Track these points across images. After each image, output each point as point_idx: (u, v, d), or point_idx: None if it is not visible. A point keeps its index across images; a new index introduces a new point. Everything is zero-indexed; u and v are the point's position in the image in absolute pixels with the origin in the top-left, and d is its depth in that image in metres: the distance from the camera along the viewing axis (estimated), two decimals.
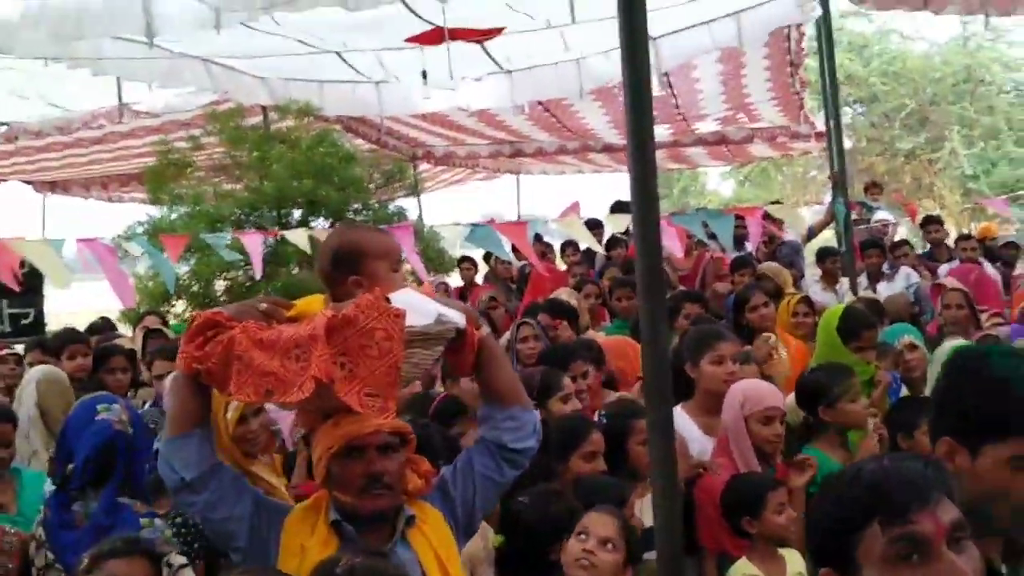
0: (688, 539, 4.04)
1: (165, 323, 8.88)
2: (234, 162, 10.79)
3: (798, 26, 10.51)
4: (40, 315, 10.19)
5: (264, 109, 11.14)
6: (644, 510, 4.19)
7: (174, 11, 6.74)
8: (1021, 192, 24.78)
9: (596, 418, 4.83)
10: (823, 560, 1.99)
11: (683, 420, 4.94)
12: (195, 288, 10.07)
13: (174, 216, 10.11)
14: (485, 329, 3.23)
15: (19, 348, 7.75)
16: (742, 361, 5.35)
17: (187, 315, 10.07)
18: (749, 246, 10.16)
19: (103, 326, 8.66)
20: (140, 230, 9.73)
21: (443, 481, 3.21)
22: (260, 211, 10.33)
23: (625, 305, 8.26)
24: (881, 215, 12.18)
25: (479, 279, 12.89)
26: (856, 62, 28.73)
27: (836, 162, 9.33)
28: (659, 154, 16.89)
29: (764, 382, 5.14)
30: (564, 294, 8.36)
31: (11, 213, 18.24)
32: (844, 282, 9.41)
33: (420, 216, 14.70)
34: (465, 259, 12.96)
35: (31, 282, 9.28)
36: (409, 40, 9.41)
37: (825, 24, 9.31)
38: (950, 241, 12.12)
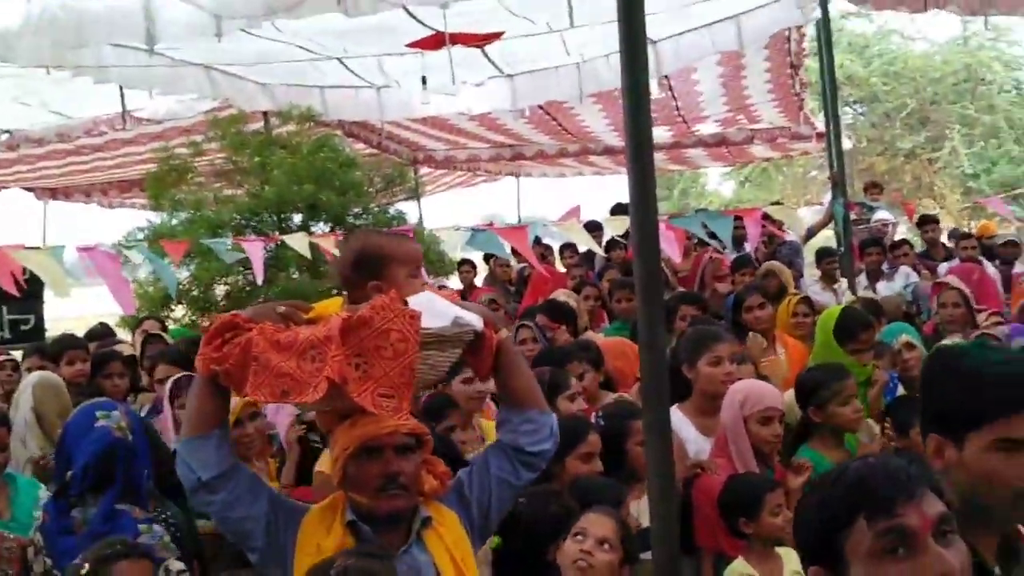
0: (685, 539, 4.06)
1: (164, 328, 8.90)
2: (235, 167, 10.81)
3: (798, 27, 10.53)
4: (40, 321, 10.20)
5: (265, 115, 11.17)
6: (641, 511, 4.21)
7: (175, 18, 6.77)
8: (1021, 190, 24.78)
9: (593, 419, 4.84)
10: (812, 558, 2.01)
11: (680, 421, 4.98)
12: (195, 293, 10.08)
13: (174, 222, 10.12)
14: (504, 332, 3.24)
15: (17, 355, 7.76)
16: (739, 361, 5.37)
17: (187, 320, 10.09)
18: (748, 247, 10.18)
19: (102, 332, 8.67)
20: (141, 236, 9.73)
21: (459, 483, 3.22)
22: (260, 216, 10.34)
23: (625, 307, 8.28)
24: (881, 215, 12.19)
25: (479, 281, 12.91)
26: (856, 62, 28.70)
27: (835, 163, 9.35)
28: (659, 156, 17.00)
29: (763, 382, 5.16)
30: (562, 295, 8.38)
31: (12, 220, 18.27)
32: (843, 282, 9.43)
33: (420, 220, 14.72)
34: (464, 262, 12.98)
35: (31, 288, 9.29)
36: (410, 45, 9.45)
37: (824, 25, 9.34)
38: (945, 239, 12.13)
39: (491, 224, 9.72)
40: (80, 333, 8.50)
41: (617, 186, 19.78)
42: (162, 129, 11.56)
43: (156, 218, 10.39)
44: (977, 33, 28.56)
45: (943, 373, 2.41)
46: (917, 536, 1.87)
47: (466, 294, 11.78)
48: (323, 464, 4.72)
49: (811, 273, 10.81)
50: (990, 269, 10.29)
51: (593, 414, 4.97)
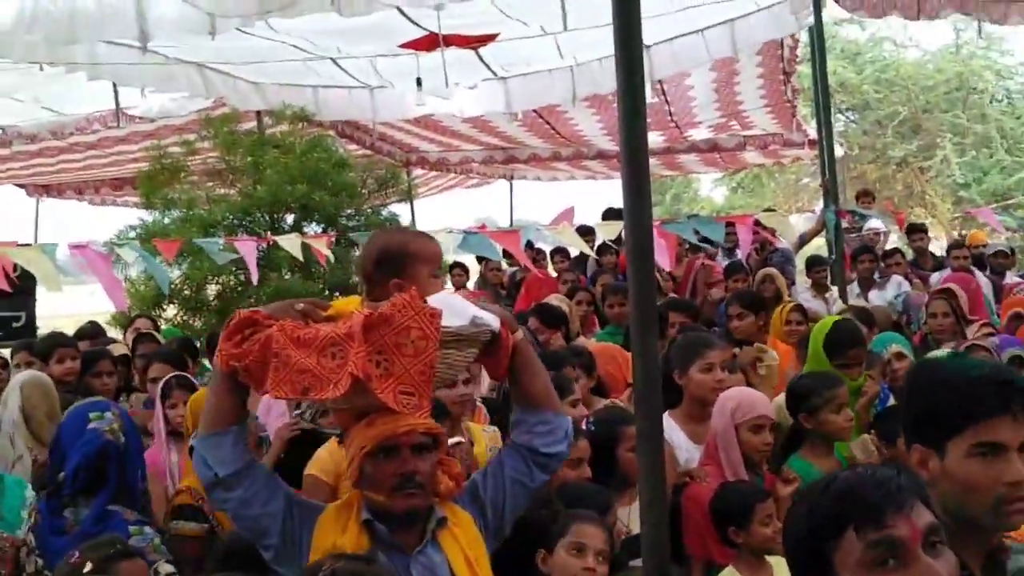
0: (674, 547, 4.06)
1: (156, 327, 8.88)
2: (228, 167, 10.80)
3: (791, 34, 10.55)
4: (31, 319, 10.15)
5: (258, 114, 11.16)
6: (632, 517, 4.21)
7: (168, 16, 6.76)
8: (1012, 200, 24.85)
9: (584, 425, 4.83)
10: (802, 568, 2.03)
11: (670, 428, 4.96)
12: (187, 292, 10.07)
13: (167, 221, 10.11)
14: (519, 333, 3.23)
15: (6, 353, 7.72)
16: (729, 369, 5.37)
17: (178, 320, 10.07)
18: (740, 253, 10.19)
19: (92, 331, 8.64)
20: (132, 234, 9.71)
21: (473, 484, 3.22)
22: (253, 216, 10.34)
23: (617, 312, 8.26)
24: (872, 224, 12.20)
25: (470, 285, 12.91)
26: (849, 69, 28.76)
27: (827, 170, 9.37)
28: (652, 160, 16.90)
29: (754, 391, 5.17)
30: (555, 300, 8.37)
31: (4, 217, 18.25)
32: (834, 290, 9.44)
33: (413, 222, 14.72)
34: (456, 265, 12.99)
35: (23, 285, 9.26)
36: (404, 46, 9.45)
37: (817, 32, 9.36)
38: (935, 248, 12.15)
39: (483, 227, 9.72)
40: (72, 331, 8.44)
41: (610, 190, 19.82)
42: (155, 127, 11.55)
43: (148, 217, 10.37)
44: (969, 42, 28.64)
45: (921, 384, 2.47)
46: (907, 547, 1.88)
47: None
48: (313, 467, 4.70)
49: (803, 281, 10.82)
50: (981, 279, 10.31)
51: (584, 420, 4.96)
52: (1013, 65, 29.83)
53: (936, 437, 2.33)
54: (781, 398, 5.23)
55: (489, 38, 9.56)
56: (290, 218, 10.61)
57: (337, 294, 9.76)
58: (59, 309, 13.93)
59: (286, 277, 9.92)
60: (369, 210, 11.33)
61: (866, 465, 2.05)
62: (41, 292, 9.90)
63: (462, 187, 20.32)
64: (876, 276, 10.49)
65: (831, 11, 9.54)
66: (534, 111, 13.31)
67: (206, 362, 7.54)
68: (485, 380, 6.22)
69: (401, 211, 12.82)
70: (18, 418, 5.81)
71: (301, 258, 8.82)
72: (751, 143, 15.82)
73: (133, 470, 4.21)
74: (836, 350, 5.44)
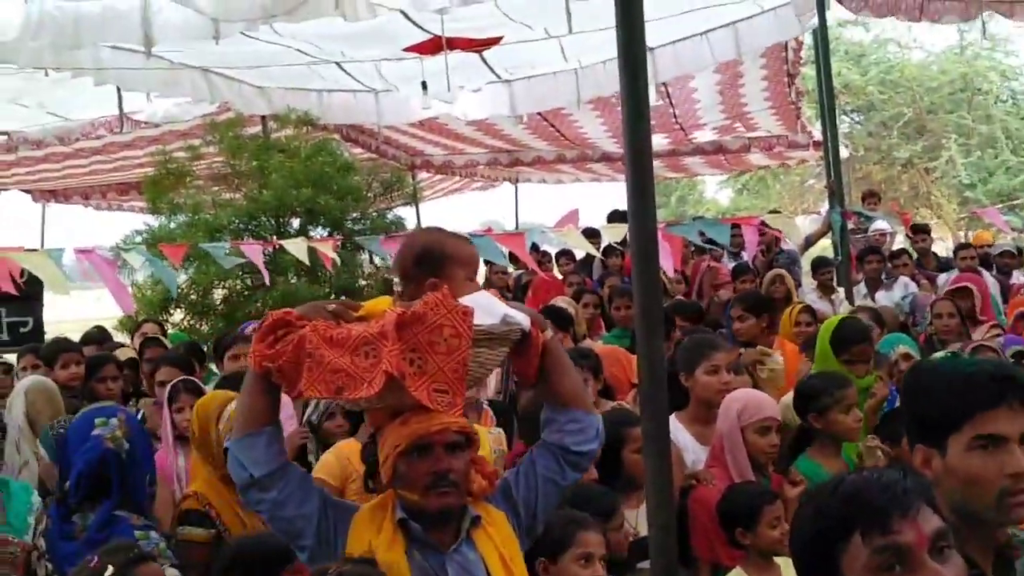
0: (681, 550, 4.05)
1: (163, 331, 8.89)
2: (233, 171, 10.82)
3: (795, 36, 10.55)
4: (39, 324, 10.17)
5: (263, 119, 11.18)
6: (640, 520, 4.20)
7: (172, 21, 6.78)
8: (1018, 200, 24.82)
9: None
10: (808, 571, 2.01)
11: (677, 429, 4.97)
12: (193, 297, 10.09)
13: (172, 225, 10.13)
14: (549, 332, 3.23)
15: (11, 358, 7.75)
16: (735, 371, 5.37)
17: (185, 324, 10.09)
18: (745, 255, 10.19)
19: (98, 336, 8.65)
20: (139, 239, 9.73)
21: (505, 484, 3.22)
22: (259, 220, 10.35)
23: (624, 314, 8.26)
24: (878, 225, 12.20)
25: None
26: (853, 71, 28.77)
27: (832, 171, 9.36)
28: (657, 163, 16.96)
29: (761, 392, 5.16)
30: (561, 302, 8.36)
31: (10, 222, 18.28)
32: (840, 291, 9.43)
33: (418, 225, 14.72)
34: None
35: (30, 290, 9.28)
36: (408, 49, 9.46)
37: (821, 33, 9.35)
38: (941, 249, 12.13)
39: (489, 230, 9.72)
40: (79, 336, 8.46)
41: (615, 193, 19.82)
42: (160, 133, 11.57)
43: (154, 221, 10.40)
44: (973, 43, 28.63)
45: (919, 385, 2.49)
46: (913, 553, 1.87)
47: None
48: (320, 471, 4.71)
49: (809, 282, 10.81)
50: (988, 279, 10.30)
51: None
52: (1018, 66, 29.89)
53: (937, 435, 2.35)
54: (787, 398, 5.23)
55: (493, 41, 9.57)
56: (296, 222, 10.64)
57: (343, 297, 9.78)
58: (66, 314, 13.97)
59: (292, 281, 9.93)
60: (374, 214, 11.35)
61: (873, 468, 2.04)
62: (48, 297, 9.93)
63: (467, 190, 20.35)
64: (883, 277, 10.48)
65: (835, 13, 9.54)
66: (539, 114, 13.32)
67: (213, 366, 7.55)
68: (491, 383, 6.22)
69: (406, 215, 12.86)
70: (23, 423, 5.82)
71: (307, 262, 8.82)
72: (756, 145, 15.83)
73: (140, 476, 4.21)
74: (843, 347, 5.44)
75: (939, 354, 6.32)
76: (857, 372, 5.33)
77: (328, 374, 2.89)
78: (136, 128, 11.17)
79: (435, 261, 3.18)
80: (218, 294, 10.27)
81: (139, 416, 6.40)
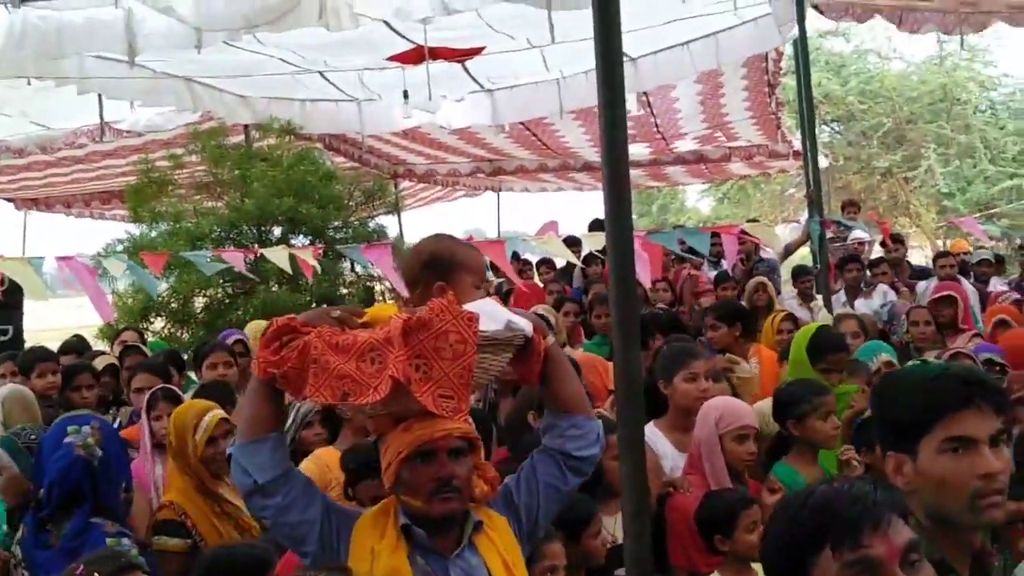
0: (659, 557, 4.07)
1: (143, 339, 8.87)
2: (215, 180, 10.82)
3: (776, 47, 10.61)
4: (19, 332, 10.16)
5: (246, 128, 11.18)
6: (617, 527, 4.22)
7: (156, 30, 6.78)
8: (995, 210, 24.94)
9: None
10: None
11: (656, 437, 5.01)
12: (174, 305, 10.08)
13: (154, 234, 10.12)
14: (551, 338, 3.26)
15: None
16: (714, 378, 5.41)
17: (166, 332, 10.08)
18: (725, 264, 10.23)
19: (76, 345, 8.62)
20: (120, 248, 9.72)
21: (507, 490, 3.23)
22: (240, 229, 10.35)
23: (605, 322, 8.25)
24: (857, 234, 12.26)
25: None
26: (833, 81, 28.88)
27: (812, 181, 9.41)
28: (638, 172, 17.02)
29: (739, 400, 5.19)
30: (541, 310, 8.37)
31: None
32: (819, 299, 9.48)
33: (400, 234, 14.75)
34: None
35: (10, 299, 9.27)
36: (391, 59, 9.48)
37: (802, 44, 9.40)
38: (920, 258, 12.19)
39: (470, 238, 9.74)
40: (60, 344, 8.44)
41: (596, 202, 19.83)
42: (143, 142, 11.56)
43: (136, 230, 10.38)
44: (953, 53, 28.80)
45: (890, 391, 2.51)
46: (884, 567, 1.88)
47: None
48: None
49: (788, 290, 10.86)
50: (967, 287, 10.36)
51: None
52: (996, 76, 29.99)
53: (907, 441, 2.36)
54: (762, 405, 5.26)
55: (476, 51, 9.61)
56: (277, 231, 10.64)
57: (324, 306, 9.78)
58: (47, 323, 13.92)
59: (273, 290, 9.93)
60: (356, 222, 11.36)
61: (844, 478, 2.05)
62: (29, 306, 9.91)
63: (449, 199, 20.35)
64: (863, 285, 10.53)
65: (815, 24, 9.59)
66: (521, 123, 13.35)
67: (192, 375, 7.54)
68: None
69: (388, 223, 12.87)
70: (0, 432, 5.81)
71: (289, 270, 8.83)
72: (736, 154, 15.90)
73: (114, 483, 4.21)
74: (819, 355, 5.49)
75: (912, 362, 6.37)
76: (832, 380, 5.38)
77: (334, 380, 2.92)
78: (118, 137, 11.15)
79: (444, 266, 3.23)
80: (199, 302, 10.27)
81: (116, 424, 6.41)
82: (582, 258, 10.94)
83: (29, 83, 8.38)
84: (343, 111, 11.55)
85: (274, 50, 8.96)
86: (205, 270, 8.57)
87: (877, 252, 12.54)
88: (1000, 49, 31.63)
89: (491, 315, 3.01)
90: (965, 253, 12.58)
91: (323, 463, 4.80)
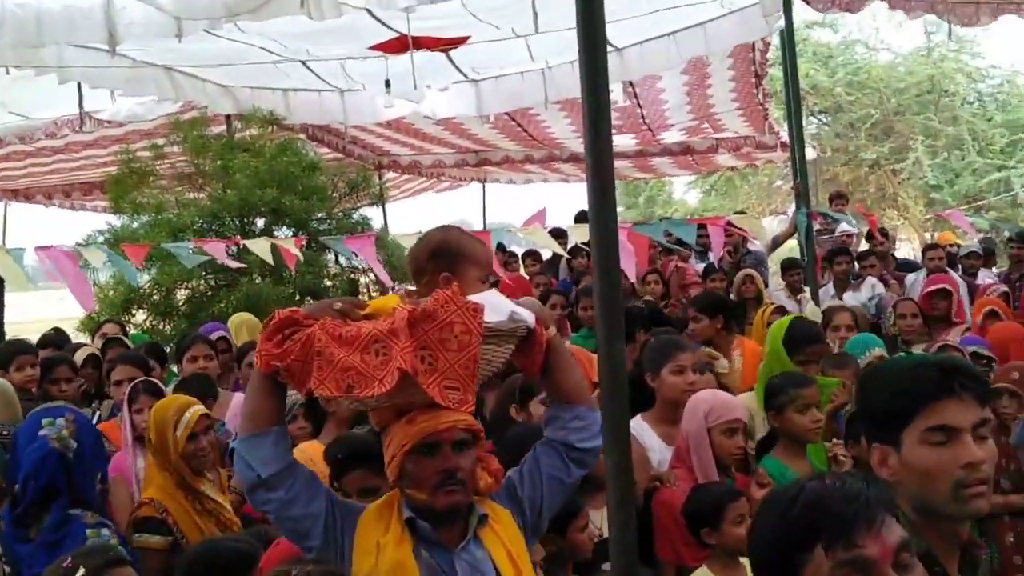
0: (645, 550, 4.04)
1: (124, 331, 8.80)
2: (197, 171, 10.74)
3: (762, 37, 10.56)
4: None
5: (228, 118, 11.10)
6: (604, 520, 4.18)
7: (135, 19, 6.71)
8: (983, 202, 25.02)
9: None
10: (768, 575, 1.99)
11: (643, 430, 4.97)
12: (156, 297, 9.99)
13: (135, 225, 10.03)
14: (553, 329, 3.24)
15: None
16: (700, 371, 5.37)
17: (147, 324, 9.99)
18: (712, 256, 10.19)
19: (55, 338, 8.54)
20: (101, 239, 9.63)
21: (510, 482, 3.22)
22: (223, 220, 10.27)
23: (591, 314, 8.21)
24: (844, 226, 12.25)
25: None
26: (821, 72, 28.93)
27: (799, 172, 9.38)
28: (625, 163, 16.97)
29: (728, 394, 5.16)
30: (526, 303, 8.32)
31: None
32: (806, 291, 9.46)
33: (385, 225, 14.67)
34: None
35: None
36: (374, 48, 9.40)
37: (788, 35, 9.37)
38: (908, 250, 12.18)
39: None
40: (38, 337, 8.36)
41: (583, 193, 19.79)
42: (123, 132, 11.47)
43: (117, 221, 10.29)
44: (940, 45, 28.89)
45: (870, 385, 2.51)
46: (878, 567, 1.85)
47: None
48: None
49: (775, 283, 10.83)
50: (956, 279, 10.34)
51: None
52: (984, 68, 30.11)
53: (891, 432, 2.35)
54: (745, 398, 5.23)
55: (460, 40, 9.53)
56: (260, 222, 10.57)
57: (308, 299, 9.71)
58: (28, 315, 13.84)
59: (256, 282, 9.85)
60: (340, 214, 11.29)
61: (835, 474, 2.01)
62: (10, 298, 9.83)
63: (434, 190, 20.29)
64: (851, 278, 10.51)
65: (802, 14, 9.56)
66: (506, 114, 13.29)
67: (174, 368, 7.48)
68: None
69: (373, 215, 12.78)
70: None
71: (271, 262, 8.75)
72: (723, 146, 15.86)
73: (89, 475, 4.19)
74: (797, 347, 5.46)
75: (914, 350, 6.37)
76: (809, 372, 5.35)
77: (338, 372, 2.90)
78: (99, 127, 11.06)
79: (450, 257, 3.23)
80: (181, 295, 10.19)
81: (96, 417, 6.34)
82: (568, 250, 10.90)
83: (8, 72, 8.29)
84: (326, 101, 11.47)
85: (256, 39, 8.86)
86: (186, 262, 8.49)
87: (864, 245, 12.51)
88: (988, 40, 31.67)
89: (495, 306, 3.01)
90: (951, 245, 12.56)
91: (307, 456, 4.73)
